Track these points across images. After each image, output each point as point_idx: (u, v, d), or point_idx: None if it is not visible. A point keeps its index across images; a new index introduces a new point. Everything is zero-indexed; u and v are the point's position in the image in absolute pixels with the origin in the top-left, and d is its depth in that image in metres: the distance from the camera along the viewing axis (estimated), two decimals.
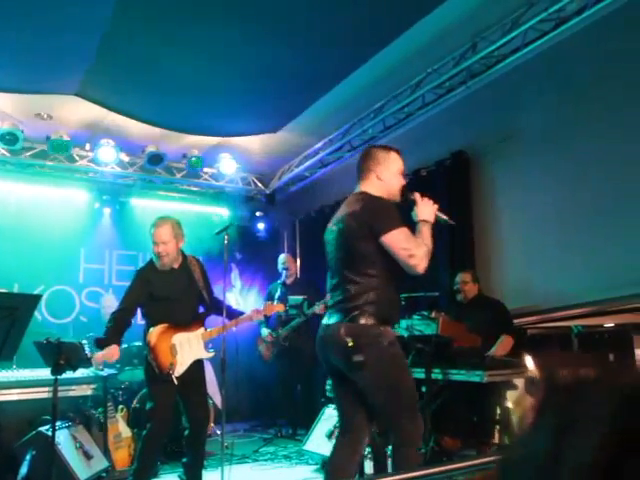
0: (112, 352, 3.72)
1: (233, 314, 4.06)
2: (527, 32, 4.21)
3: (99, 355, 3.74)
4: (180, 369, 3.76)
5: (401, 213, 2.81)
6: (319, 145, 6.66)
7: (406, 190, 2.93)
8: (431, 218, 2.84)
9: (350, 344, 2.68)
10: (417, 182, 5.42)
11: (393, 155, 2.94)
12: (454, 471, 1.85)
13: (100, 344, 3.75)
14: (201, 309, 4.07)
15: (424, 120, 5.63)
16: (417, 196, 2.89)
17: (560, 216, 4.56)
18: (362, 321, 2.70)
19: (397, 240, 2.69)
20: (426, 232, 2.78)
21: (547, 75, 4.64)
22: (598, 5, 3.85)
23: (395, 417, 2.74)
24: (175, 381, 3.69)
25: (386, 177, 2.89)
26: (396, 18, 4.29)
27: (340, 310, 2.79)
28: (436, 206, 2.88)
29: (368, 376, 2.71)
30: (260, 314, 4.17)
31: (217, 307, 3.99)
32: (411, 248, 2.68)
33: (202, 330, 3.94)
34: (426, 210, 2.84)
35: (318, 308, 5.94)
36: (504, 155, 5.10)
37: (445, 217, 2.94)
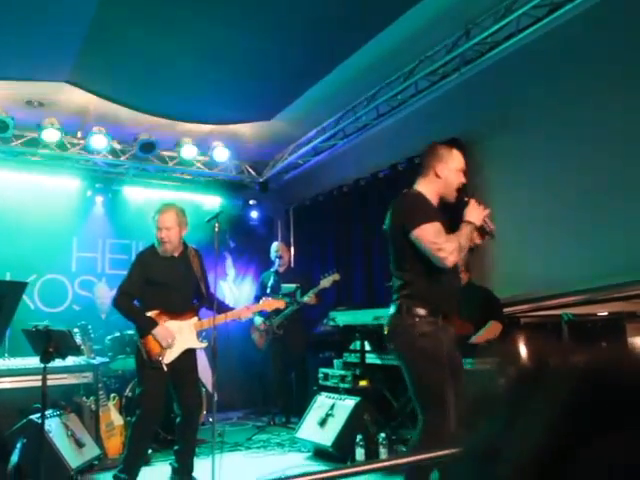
0: (166, 333, 3.77)
1: (224, 309, 4.06)
2: (520, 18, 4.18)
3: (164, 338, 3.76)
4: (170, 356, 3.75)
5: (445, 213, 2.97)
6: (312, 133, 6.61)
7: (463, 189, 3.05)
8: (477, 222, 2.95)
9: (385, 333, 2.88)
10: (411, 170, 5.39)
11: (455, 152, 3.08)
12: (444, 457, 1.85)
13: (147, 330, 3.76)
14: (195, 301, 4.07)
15: (417, 107, 5.60)
16: (472, 199, 3.01)
17: (553, 203, 4.55)
18: (403, 312, 2.84)
19: (426, 234, 2.81)
20: (465, 231, 2.90)
21: (541, 61, 4.61)
22: None
23: (420, 407, 2.84)
24: (165, 368, 3.69)
25: (444, 174, 3.01)
26: (388, 5, 4.25)
27: (392, 302, 2.95)
28: (486, 212, 2.99)
29: (401, 364, 2.88)
30: (249, 311, 4.15)
31: (211, 301, 3.99)
32: (440, 242, 2.79)
33: (195, 320, 3.94)
34: (474, 213, 2.96)
35: (310, 297, 5.93)
36: (498, 142, 5.08)
37: (491, 227, 3.03)
